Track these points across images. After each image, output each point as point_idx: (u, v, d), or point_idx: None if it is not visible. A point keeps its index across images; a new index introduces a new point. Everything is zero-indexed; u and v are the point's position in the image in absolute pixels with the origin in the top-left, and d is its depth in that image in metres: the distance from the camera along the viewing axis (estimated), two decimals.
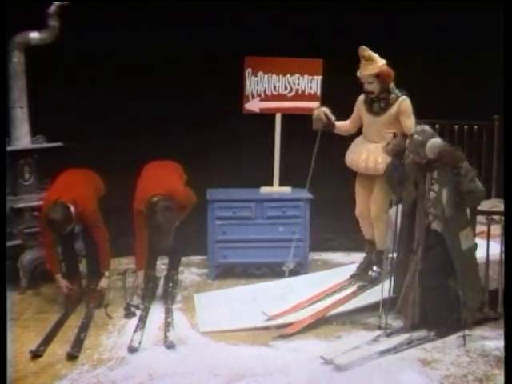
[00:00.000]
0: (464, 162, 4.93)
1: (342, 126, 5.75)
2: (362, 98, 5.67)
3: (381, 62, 5.45)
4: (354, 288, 5.67)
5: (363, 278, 5.71)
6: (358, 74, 5.50)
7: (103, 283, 5.66)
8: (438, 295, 5.03)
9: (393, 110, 5.49)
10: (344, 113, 5.78)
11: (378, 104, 5.52)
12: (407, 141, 5.08)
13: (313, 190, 6.22)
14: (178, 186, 5.70)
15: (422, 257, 5.06)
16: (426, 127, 5.01)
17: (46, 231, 5.57)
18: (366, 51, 5.43)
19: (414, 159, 5.01)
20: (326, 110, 5.61)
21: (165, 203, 5.40)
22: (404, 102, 5.48)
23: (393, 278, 5.24)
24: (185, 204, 5.72)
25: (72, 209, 5.43)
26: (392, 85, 5.52)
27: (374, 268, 5.70)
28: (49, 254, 5.64)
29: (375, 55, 5.47)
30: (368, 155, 5.52)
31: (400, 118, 5.46)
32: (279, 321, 5.26)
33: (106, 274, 5.68)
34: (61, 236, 5.63)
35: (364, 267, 5.80)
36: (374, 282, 5.61)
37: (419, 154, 4.94)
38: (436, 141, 4.92)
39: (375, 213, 5.60)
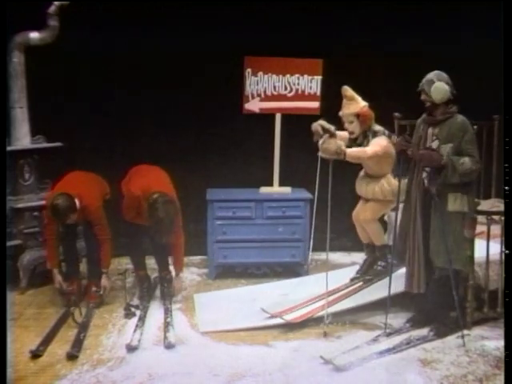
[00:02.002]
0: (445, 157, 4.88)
1: (341, 137, 5.69)
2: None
3: (362, 103, 5.53)
4: (360, 283, 5.73)
5: (369, 272, 5.80)
6: (340, 113, 5.57)
7: (104, 282, 5.67)
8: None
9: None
10: None
11: (363, 146, 5.52)
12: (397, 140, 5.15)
13: (313, 190, 6.21)
14: (172, 190, 5.70)
15: (420, 220, 5.01)
16: (444, 74, 4.98)
17: (49, 224, 5.61)
18: (348, 91, 5.52)
19: (422, 98, 4.99)
20: (322, 122, 5.51)
21: (165, 198, 5.41)
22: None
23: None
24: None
25: (76, 201, 5.48)
26: (373, 124, 5.56)
27: (379, 262, 5.83)
28: (49, 248, 5.66)
29: (357, 96, 5.54)
30: (373, 189, 5.68)
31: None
32: (280, 320, 5.26)
33: (105, 271, 5.67)
34: (63, 230, 5.66)
35: (366, 269, 5.86)
36: (379, 275, 5.74)
37: (425, 92, 4.94)
38: (443, 85, 4.91)
39: (365, 218, 5.77)
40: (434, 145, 4.97)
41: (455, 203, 4.93)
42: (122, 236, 5.88)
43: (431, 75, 4.98)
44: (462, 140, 4.92)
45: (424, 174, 5.00)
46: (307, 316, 5.26)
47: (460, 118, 4.99)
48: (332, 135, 5.24)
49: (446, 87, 4.92)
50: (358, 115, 5.50)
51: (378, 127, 5.57)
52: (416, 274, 5.07)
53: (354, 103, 5.52)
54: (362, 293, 5.60)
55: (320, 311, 5.30)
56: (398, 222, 5.25)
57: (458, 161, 4.86)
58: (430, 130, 5.01)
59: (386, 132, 5.57)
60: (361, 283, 5.74)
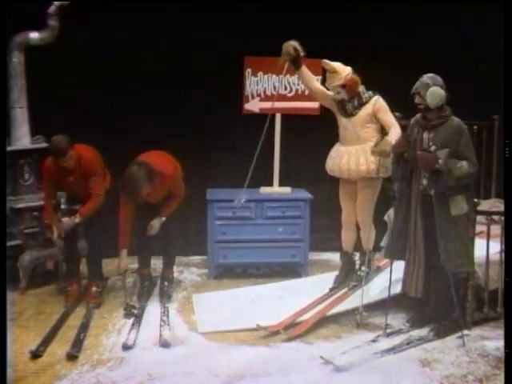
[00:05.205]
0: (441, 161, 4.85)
1: (310, 78, 5.66)
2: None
3: (345, 72, 5.47)
4: (345, 289, 5.67)
5: (353, 278, 5.72)
6: (326, 84, 5.52)
7: (67, 220, 5.57)
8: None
9: (368, 108, 5.49)
10: None
11: (352, 104, 5.51)
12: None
13: (313, 190, 6.22)
14: (169, 167, 5.65)
15: (421, 223, 5.00)
16: (439, 78, 4.96)
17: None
18: (328, 65, 5.46)
19: (414, 99, 4.96)
20: (295, 43, 5.46)
21: (141, 161, 5.40)
22: (379, 101, 5.50)
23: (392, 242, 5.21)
24: (173, 190, 5.70)
25: (71, 152, 5.45)
26: (361, 88, 5.53)
27: (363, 268, 5.77)
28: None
29: (338, 66, 5.48)
30: (349, 158, 5.52)
31: (379, 116, 5.47)
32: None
33: (77, 219, 5.57)
34: (66, 235, 5.65)
35: (342, 279, 5.77)
36: (363, 281, 5.68)
37: (421, 95, 4.90)
38: (439, 90, 4.87)
39: (362, 218, 5.65)
40: (432, 149, 4.91)
41: (458, 207, 4.92)
42: (132, 235, 5.86)
43: (426, 78, 4.93)
44: (458, 144, 4.89)
45: (424, 180, 4.97)
46: (304, 327, 5.16)
47: (455, 121, 4.95)
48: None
49: (442, 92, 4.87)
50: (343, 86, 5.44)
51: (362, 90, 5.50)
52: (414, 278, 5.08)
53: (337, 75, 5.44)
54: (352, 297, 5.55)
55: (315, 319, 5.25)
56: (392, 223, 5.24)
57: (455, 164, 4.82)
58: (426, 135, 4.98)
59: (371, 93, 5.52)
60: (346, 289, 5.65)
